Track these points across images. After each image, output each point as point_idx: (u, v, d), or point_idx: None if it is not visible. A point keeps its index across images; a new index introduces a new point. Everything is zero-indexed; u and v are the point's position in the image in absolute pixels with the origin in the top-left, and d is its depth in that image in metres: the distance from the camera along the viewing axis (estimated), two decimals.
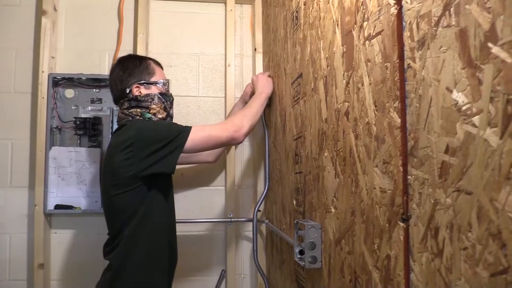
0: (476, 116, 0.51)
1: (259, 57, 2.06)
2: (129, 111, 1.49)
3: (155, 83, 1.53)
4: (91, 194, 1.90)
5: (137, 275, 1.39)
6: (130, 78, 1.51)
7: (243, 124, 1.52)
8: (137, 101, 1.50)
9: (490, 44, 0.48)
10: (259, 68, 2.04)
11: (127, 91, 1.51)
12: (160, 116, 1.51)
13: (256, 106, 1.62)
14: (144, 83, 1.52)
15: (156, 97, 1.51)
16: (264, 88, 1.72)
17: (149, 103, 1.50)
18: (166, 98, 1.54)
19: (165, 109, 1.53)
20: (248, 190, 2.06)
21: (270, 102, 1.82)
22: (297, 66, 1.37)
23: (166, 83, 1.58)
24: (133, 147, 1.36)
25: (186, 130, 1.43)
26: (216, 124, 1.56)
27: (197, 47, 2.10)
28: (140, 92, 1.51)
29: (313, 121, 1.17)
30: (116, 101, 1.56)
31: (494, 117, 0.47)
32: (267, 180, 1.85)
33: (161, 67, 1.63)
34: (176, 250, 1.55)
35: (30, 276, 1.87)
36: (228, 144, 1.56)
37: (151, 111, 1.50)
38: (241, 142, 1.54)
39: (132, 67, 1.53)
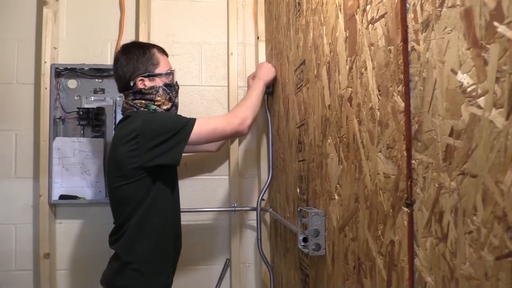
0: (482, 97, 0.50)
1: (262, 46, 2.04)
2: (134, 102, 1.49)
3: (159, 75, 1.52)
4: (95, 184, 1.90)
5: (143, 264, 1.40)
6: (134, 70, 1.50)
7: (246, 116, 1.52)
8: (142, 94, 1.49)
9: (495, 23, 0.47)
10: (262, 57, 2.03)
11: (131, 83, 1.50)
12: (165, 107, 1.51)
13: (256, 95, 1.62)
14: (148, 75, 1.50)
15: (160, 89, 1.50)
16: (263, 75, 1.71)
17: (153, 96, 1.49)
18: (171, 88, 1.53)
19: (170, 99, 1.52)
20: (251, 179, 2.06)
21: (273, 90, 1.81)
22: (300, 53, 1.36)
23: (171, 73, 1.56)
24: (138, 139, 1.37)
25: (191, 122, 1.43)
26: (220, 116, 1.55)
27: (199, 36, 2.09)
28: (144, 84, 1.50)
29: (316, 108, 1.16)
30: (121, 91, 1.56)
31: (500, 97, 0.46)
32: (270, 168, 1.84)
33: (166, 55, 1.60)
34: (181, 239, 1.56)
35: (36, 266, 1.89)
36: (232, 137, 1.56)
37: (156, 103, 1.49)
38: (245, 134, 1.54)
39: (136, 58, 1.51)
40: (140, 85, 1.49)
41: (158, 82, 1.51)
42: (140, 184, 1.39)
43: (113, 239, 1.46)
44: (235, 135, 1.54)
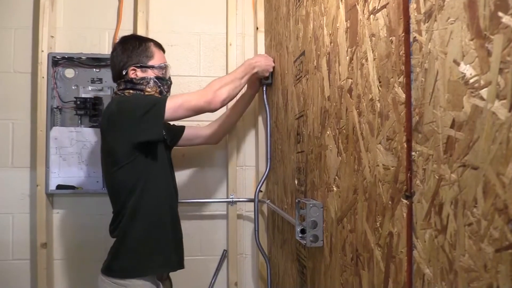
0: (484, 89, 0.49)
1: (261, 36, 2.03)
2: (123, 92, 1.51)
3: (152, 67, 1.54)
4: (92, 174, 1.89)
5: (139, 245, 1.43)
6: (128, 59, 1.52)
7: (221, 91, 1.50)
8: (133, 84, 1.51)
9: (500, 13, 0.47)
10: (261, 48, 2.02)
11: (124, 72, 1.52)
12: None
13: (238, 75, 1.60)
14: (140, 66, 1.52)
15: (152, 80, 1.51)
16: (256, 61, 1.70)
17: (144, 86, 1.50)
18: (163, 82, 1.55)
19: (160, 93, 1.54)
20: (249, 171, 2.06)
21: (272, 82, 1.80)
22: (299, 44, 1.35)
23: (164, 67, 1.57)
24: (117, 121, 1.41)
25: (163, 98, 1.45)
26: (196, 91, 1.57)
27: (198, 26, 2.07)
28: (136, 75, 1.52)
29: (315, 100, 1.16)
30: (114, 79, 1.58)
31: (503, 89, 0.46)
32: (268, 160, 1.84)
33: (163, 50, 1.62)
34: (178, 219, 1.58)
35: (33, 255, 1.89)
36: (206, 111, 1.50)
37: (145, 94, 1.51)
38: (218, 108, 1.52)
39: (131, 48, 1.54)
40: (131, 74, 1.52)
41: (150, 74, 1.53)
42: (132, 167, 1.42)
43: (112, 228, 1.49)
44: (208, 108, 1.48)
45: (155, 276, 1.45)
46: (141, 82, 1.50)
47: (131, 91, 1.50)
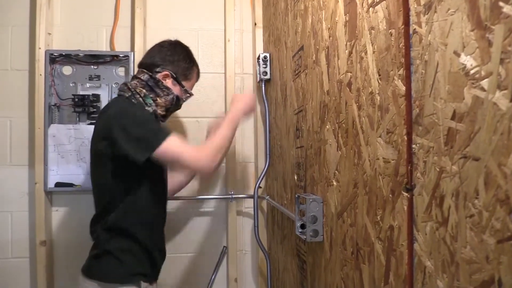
0: (485, 80, 0.49)
1: (259, 32, 2.02)
2: (136, 88, 1.44)
3: (183, 86, 1.54)
4: None
5: (122, 253, 1.37)
6: (169, 64, 1.51)
7: (215, 159, 1.39)
8: (155, 83, 1.47)
9: (501, 3, 0.46)
10: (259, 44, 2.01)
11: (157, 69, 1.49)
12: (159, 110, 1.47)
13: (231, 135, 1.50)
14: (175, 78, 1.51)
15: (171, 95, 1.49)
16: (235, 109, 1.57)
17: (161, 93, 1.47)
18: (177, 103, 1.54)
19: (167, 109, 1.52)
20: (248, 167, 2.06)
21: (270, 78, 1.80)
22: (298, 39, 1.34)
23: (189, 95, 1.58)
24: (111, 129, 1.33)
25: (165, 134, 1.34)
26: (193, 148, 1.42)
27: (196, 22, 2.06)
28: (165, 80, 1.50)
29: (314, 94, 1.16)
30: (141, 66, 1.54)
31: (504, 79, 0.46)
32: (267, 156, 1.84)
33: (197, 81, 1.64)
34: (161, 236, 1.52)
35: (32, 253, 1.88)
36: (194, 171, 1.52)
37: (156, 100, 1.46)
38: (208, 176, 1.50)
39: (180, 58, 1.54)
40: (161, 77, 1.49)
41: (176, 90, 1.51)
42: (117, 170, 1.37)
43: (93, 229, 1.46)
44: (198, 173, 1.49)
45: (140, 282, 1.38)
46: (163, 89, 1.47)
47: (144, 90, 1.44)
